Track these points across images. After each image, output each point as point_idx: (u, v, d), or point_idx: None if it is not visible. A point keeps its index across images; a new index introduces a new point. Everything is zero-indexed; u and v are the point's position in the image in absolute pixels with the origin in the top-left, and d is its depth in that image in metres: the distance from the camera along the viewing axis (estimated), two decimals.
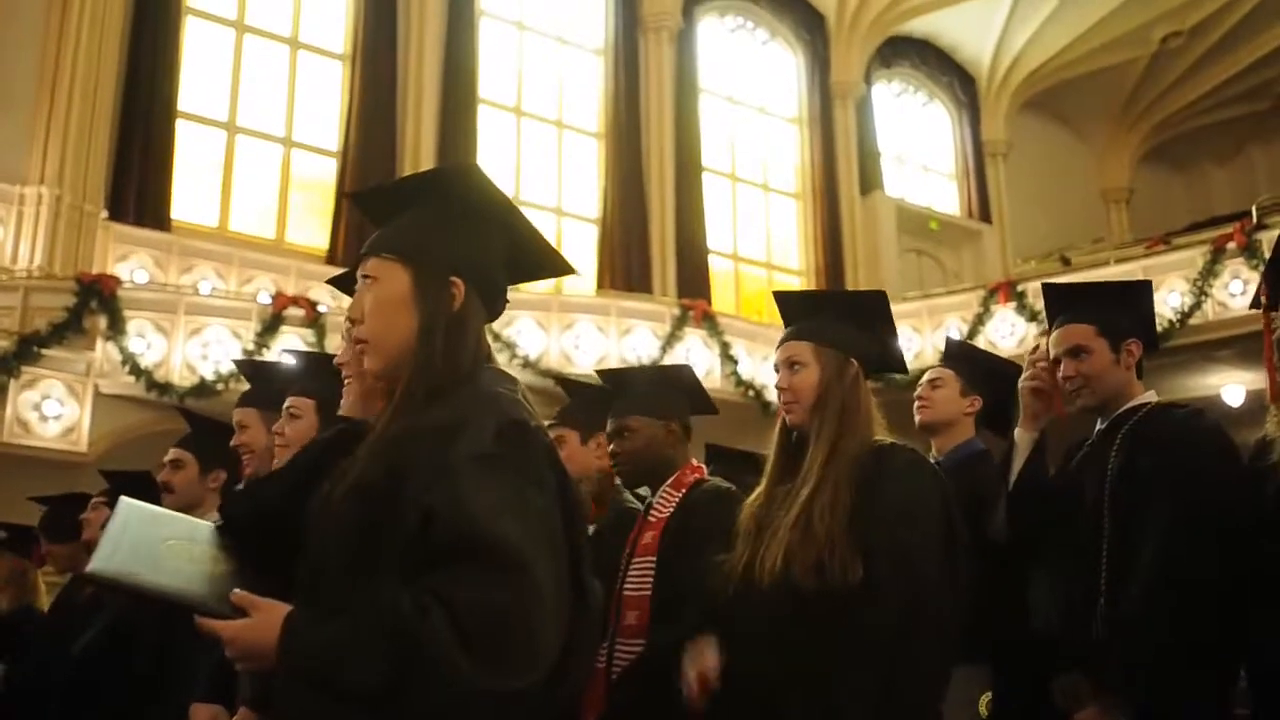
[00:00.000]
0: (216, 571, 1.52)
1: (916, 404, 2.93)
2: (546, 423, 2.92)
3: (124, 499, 1.57)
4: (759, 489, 2.27)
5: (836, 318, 2.29)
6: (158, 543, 1.52)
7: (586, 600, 1.47)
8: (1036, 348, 2.62)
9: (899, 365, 2.42)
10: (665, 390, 2.84)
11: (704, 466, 2.85)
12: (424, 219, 1.59)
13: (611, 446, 2.80)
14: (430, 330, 1.53)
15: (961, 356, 3.06)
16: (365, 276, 1.58)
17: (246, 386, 3.15)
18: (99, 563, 1.46)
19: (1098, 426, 2.57)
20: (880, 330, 2.36)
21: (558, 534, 1.43)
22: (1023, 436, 2.58)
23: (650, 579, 2.60)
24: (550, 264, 1.76)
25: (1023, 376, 2.59)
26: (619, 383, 2.93)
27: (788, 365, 2.25)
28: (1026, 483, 2.52)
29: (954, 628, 2.03)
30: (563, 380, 3.49)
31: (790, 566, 2.02)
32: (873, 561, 1.98)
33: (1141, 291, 2.68)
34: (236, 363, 3.27)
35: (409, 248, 1.57)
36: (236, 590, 1.41)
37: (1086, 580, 2.37)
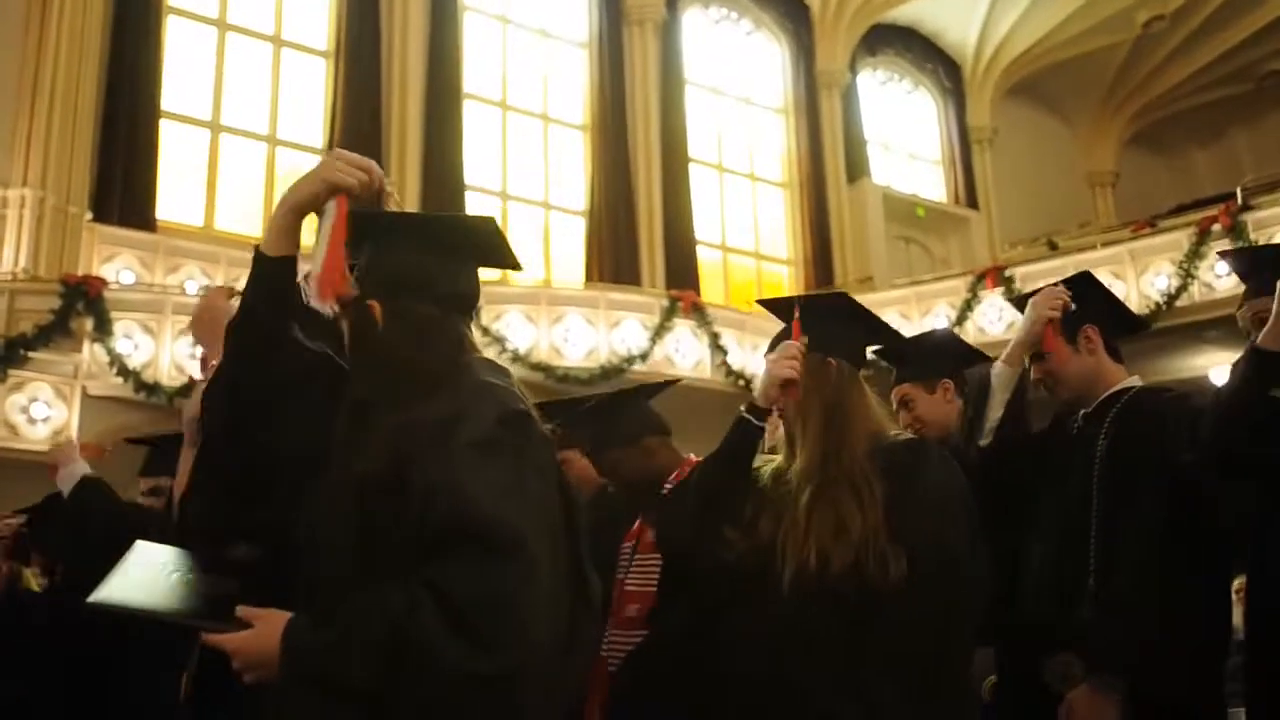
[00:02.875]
0: (220, 594, 1.55)
1: (915, 430, 2.81)
2: None
3: (139, 542, 1.63)
4: (780, 460, 2.24)
5: (813, 320, 2.26)
6: (162, 574, 1.57)
7: (587, 593, 1.49)
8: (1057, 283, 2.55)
9: (888, 345, 2.44)
10: (622, 418, 2.84)
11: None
12: None
13: (608, 479, 2.83)
14: (378, 361, 1.55)
15: (905, 360, 2.95)
16: None
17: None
18: (100, 594, 1.50)
19: (1082, 412, 2.57)
20: (861, 324, 2.33)
21: (557, 521, 1.45)
22: (1004, 372, 2.50)
23: (657, 575, 2.61)
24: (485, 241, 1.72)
25: (1041, 302, 2.48)
26: (585, 419, 2.92)
27: None
28: (1006, 443, 2.46)
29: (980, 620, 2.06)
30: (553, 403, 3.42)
31: (826, 569, 1.99)
32: (915, 561, 1.96)
33: (1080, 282, 2.64)
34: None
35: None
36: (241, 607, 1.44)
37: (1076, 563, 2.37)
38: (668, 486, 2.71)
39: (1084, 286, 2.62)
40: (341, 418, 1.56)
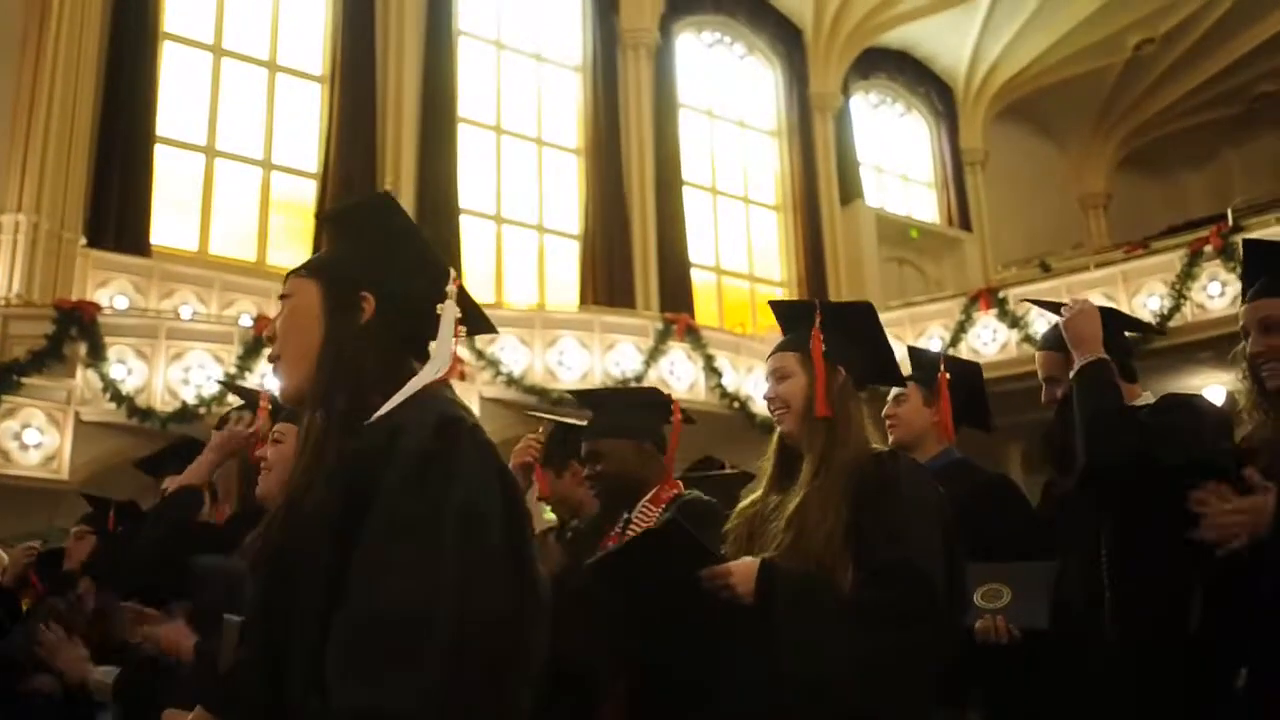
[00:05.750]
0: None
1: (887, 424, 2.90)
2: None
3: None
4: (755, 494, 2.26)
5: (825, 327, 2.27)
6: None
7: (536, 594, 1.38)
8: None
9: (893, 378, 2.43)
10: (634, 411, 2.83)
11: (681, 483, 2.84)
12: (341, 243, 1.66)
13: (586, 470, 2.81)
14: (333, 340, 1.51)
15: (921, 365, 3.01)
16: (282, 297, 1.59)
17: (233, 408, 3.17)
18: None
19: None
20: (870, 341, 2.34)
21: (490, 532, 1.34)
22: None
23: None
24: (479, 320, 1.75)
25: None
26: (590, 405, 2.92)
27: (775, 377, 2.26)
28: None
29: (954, 632, 2.06)
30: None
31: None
32: (882, 570, 1.97)
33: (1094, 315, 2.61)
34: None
35: (320, 264, 1.61)
36: None
37: (1090, 577, 2.38)
38: (644, 508, 2.70)
39: (1104, 321, 2.59)
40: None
